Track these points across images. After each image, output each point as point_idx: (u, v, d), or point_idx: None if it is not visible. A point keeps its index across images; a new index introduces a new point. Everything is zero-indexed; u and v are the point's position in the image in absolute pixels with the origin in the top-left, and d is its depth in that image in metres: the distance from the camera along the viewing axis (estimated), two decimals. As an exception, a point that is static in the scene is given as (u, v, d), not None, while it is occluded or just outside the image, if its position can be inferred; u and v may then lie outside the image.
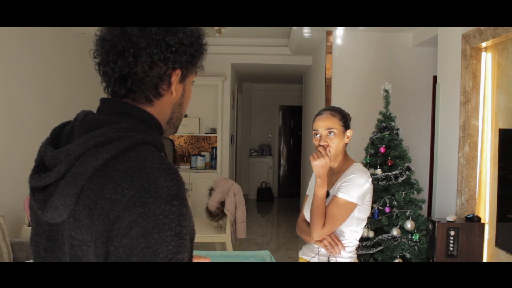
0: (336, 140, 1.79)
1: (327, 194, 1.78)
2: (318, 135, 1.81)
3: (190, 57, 0.87)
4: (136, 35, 0.80)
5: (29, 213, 0.88)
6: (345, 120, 1.83)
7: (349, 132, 1.83)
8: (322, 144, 1.79)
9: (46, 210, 0.74)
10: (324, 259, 1.81)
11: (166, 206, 0.70)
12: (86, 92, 4.36)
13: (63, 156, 0.74)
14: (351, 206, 1.73)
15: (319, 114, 1.86)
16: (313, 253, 1.85)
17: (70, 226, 0.74)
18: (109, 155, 0.73)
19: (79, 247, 0.73)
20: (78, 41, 4.38)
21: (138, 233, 0.69)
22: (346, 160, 1.85)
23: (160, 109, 0.87)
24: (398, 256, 2.87)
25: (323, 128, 1.79)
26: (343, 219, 1.74)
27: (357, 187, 1.72)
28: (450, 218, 2.49)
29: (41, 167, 0.79)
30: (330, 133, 1.79)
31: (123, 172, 0.72)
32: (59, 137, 0.84)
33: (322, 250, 1.80)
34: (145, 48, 0.80)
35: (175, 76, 0.85)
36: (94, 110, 0.86)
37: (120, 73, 0.81)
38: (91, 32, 0.86)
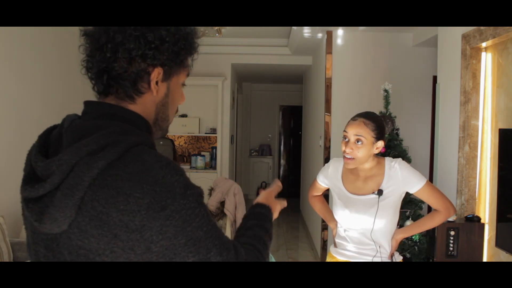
0: (363, 149, 1.75)
1: (381, 192, 1.78)
2: (346, 139, 1.78)
3: (173, 56, 0.84)
4: (114, 30, 0.80)
5: (23, 221, 0.86)
6: (379, 131, 1.77)
7: (379, 143, 1.78)
8: (347, 151, 1.77)
9: (44, 222, 0.73)
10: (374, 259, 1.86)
11: (184, 199, 0.73)
12: (86, 92, 4.35)
13: (56, 166, 0.72)
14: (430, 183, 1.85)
15: (353, 118, 1.81)
16: (367, 254, 1.86)
17: (75, 237, 0.73)
18: (105, 162, 0.71)
19: (85, 256, 0.73)
20: (78, 41, 4.38)
21: (173, 233, 0.71)
22: (378, 162, 1.84)
23: (143, 108, 0.85)
24: (398, 256, 2.87)
25: (352, 134, 1.76)
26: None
27: (414, 171, 1.82)
28: (450, 218, 2.49)
29: (31, 177, 0.77)
30: (358, 141, 1.75)
31: (129, 181, 0.71)
32: (46, 144, 0.82)
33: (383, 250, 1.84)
34: (122, 43, 0.79)
35: (155, 74, 0.84)
36: None
37: (98, 68, 0.81)
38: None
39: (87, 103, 0.85)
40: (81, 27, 0.85)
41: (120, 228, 0.70)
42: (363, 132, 1.74)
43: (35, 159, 0.77)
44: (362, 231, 1.83)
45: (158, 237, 0.70)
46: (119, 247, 0.71)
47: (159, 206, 0.70)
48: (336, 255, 1.94)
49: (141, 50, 0.80)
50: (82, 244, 0.72)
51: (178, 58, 0.86)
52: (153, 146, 0.81)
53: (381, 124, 1.79)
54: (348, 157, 1.78)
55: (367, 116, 1.79)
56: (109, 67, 0.80)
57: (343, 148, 1.79)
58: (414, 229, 1.94)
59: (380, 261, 1.83)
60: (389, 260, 1.85)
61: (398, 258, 1.92)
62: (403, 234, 1.88)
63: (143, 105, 0.85)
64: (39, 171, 0.75)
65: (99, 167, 0.71)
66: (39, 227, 0.74)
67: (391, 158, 1.85)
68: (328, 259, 1.98)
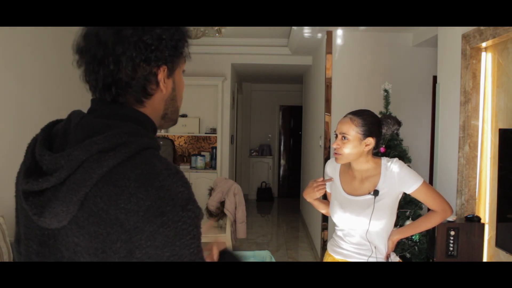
0: (349, 145, 1.79)
1: (377, 193, 1.80)
2: (336, 136, 1.85)
3: (173, 50, 0.84)
4: (112, 41, 0.78)
5: (16, 215, 0.85)
6: (367, 128, 1.79)
7: (368, 140, 1.79)
8: (334, 146, 1.83)
9: (44, 216, 0.72)
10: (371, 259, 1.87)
11: (183, 212, 0.72)
12: (86, 91, 4.35)
13: (64, 161, 0.72)
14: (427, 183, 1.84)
15: (344, 116, 1.86)
16: (365, 254, 1.86)
17: (72, 233, 0.72)
18: (115, 161, 0.71)
19: (81, 254, 0.72)
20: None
21: (162, 243, 0.70)
22: (375, 163, 1.85)
23: (152, 109, 0.85)
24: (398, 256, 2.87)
25: (339, 131, 1.82)
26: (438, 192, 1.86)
27: (410, 171, 1.81)
28: (450, 218, 2.49)
29: (33, 170, 0.76)
30: (343, 137, 1.80)
31: (135, 181, 0.71)
32: (49, 137, 0.81)
33: (379, 250, 1.84)
34: (124, 53, 0.78)
35: (162, 73, 0.83)
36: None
37: (103, 82, 0.80)
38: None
39: (94, 101, 0.84)
40: (73, 42, 0.83)
41: (113, 226, 0.70)
42: (348, 129, 1.79)
43: (40, 152, 0.76)
44: (358, 231, 1.84)
45: (147, 243, 0.69)
46: (107, 247, 0.70)
47: (158, 212, 0.70)
48: (333, 254, 1.95)
49: (144, 54, 0.79)
50: (78, 241, 0.72)
51: (177, 51, 0.86)
52: (159, 148, 0.81)
53: (372, 121, 1.81)
54: (335, 152, 1.83)
55: (355, 113, 1.84)
56: (115, 79, 0.79)
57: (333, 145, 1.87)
58: (411, 230, 1.94)
59: (375, 261, 1.84)
60: (385, 261, 1.85)
61: (395, 259, 1.92)
62: (399, 235, 1.88)
63: (152, 106, 0.85)
64: (45, 165, 0.75)
65: (109, 165, 0.71)
66: (38, 221, 0.73)
67: (387, 158, 1.86)
68: (326, 257, 2.00)
